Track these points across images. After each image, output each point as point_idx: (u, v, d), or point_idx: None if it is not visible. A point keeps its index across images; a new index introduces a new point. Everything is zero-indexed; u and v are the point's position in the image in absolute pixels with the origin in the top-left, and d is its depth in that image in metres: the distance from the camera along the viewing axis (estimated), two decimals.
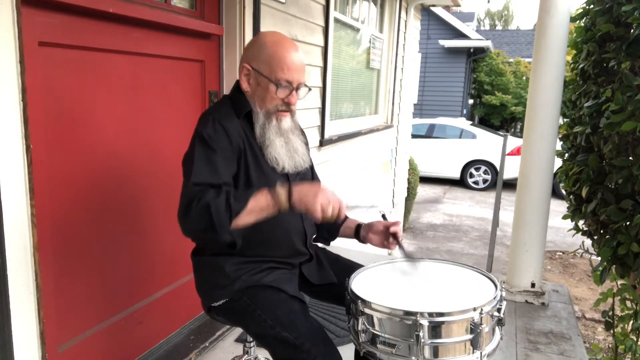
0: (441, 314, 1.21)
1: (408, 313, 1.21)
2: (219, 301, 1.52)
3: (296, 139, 1.56)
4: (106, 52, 1.89)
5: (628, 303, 2.88)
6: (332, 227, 1.73)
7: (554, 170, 3.11)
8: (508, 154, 7.43)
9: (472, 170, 10.65)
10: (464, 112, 15.74)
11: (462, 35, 15.31)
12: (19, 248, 1.53)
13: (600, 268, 2.77)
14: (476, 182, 10.66)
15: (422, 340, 1.20)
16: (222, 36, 2.58)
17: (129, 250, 2.12)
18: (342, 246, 1.83)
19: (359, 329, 1.29)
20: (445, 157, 10.72)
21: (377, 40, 5.22)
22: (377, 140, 5.39)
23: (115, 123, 1.97)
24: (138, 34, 2.02)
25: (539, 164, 2.99)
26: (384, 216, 1.68)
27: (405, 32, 5.93)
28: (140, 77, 2.07)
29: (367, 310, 1.28)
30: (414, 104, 7.38)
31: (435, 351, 1.23)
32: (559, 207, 6.27)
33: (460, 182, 10.85)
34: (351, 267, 1.64)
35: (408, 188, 7.29)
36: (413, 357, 1.22)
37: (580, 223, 3.03)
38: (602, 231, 2.71)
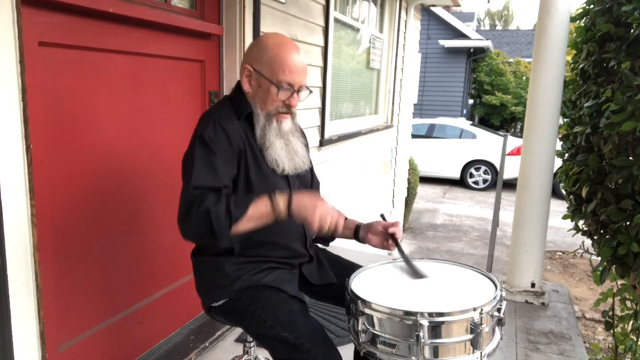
0: (441, 314, 1.21)
1: (408, 313, 1.21)
2: (219, 301, 1.52)
3: (296, 140, 1.56)
4: (106, 52, 1.89)
5: (628, 303, 2.88)
6: None
7: (554, 170, 3.11)
8: (508, 154, 7.43)
9: (472, 170, 10.65)
10: (464, 112, 15.75)
11: (462, 35, 15.31)
12: (19, 248, 1.53)
13: (600, 268, 2.77)
14: (476, 182, 10.66)
15: (422, 340, 1.20)
16: (222, 36, 2.58)
17: (129, 250, 2.12)
18: (342, 246, 1.83)
19: (359, 329, 1.29)
20: (445, 157, 10.72)
21: (377, 40, 5.22)
22: (377, 140, 5.39)
23: (115, 123, 1.97)
24: (138, 34, 2.02)
25: (539, 164, 2.99)
26: (382, 216, 1.68)
27: (405, 32, 5.93)
28: (140, 77, 2.07)
29: (367, 310, 1.28)
30: (414, 104, 7.38)
31: (435, 351, 1.23)
32: (559, 207, 6.27)
33: (460, 182, 10.85)
34: (351, 268, 1.64)
35: (408, 188, 7.29)
36: (413, 357, 1.22)
37: (580, 223, 3.03)
38: (602, 231, 2.71)
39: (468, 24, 17.42)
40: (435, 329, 1.21)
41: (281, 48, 1.46)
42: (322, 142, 3.77)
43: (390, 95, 5.75)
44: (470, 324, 1.22)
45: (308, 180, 1.68)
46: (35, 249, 1.58)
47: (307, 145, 1.67)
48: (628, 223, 2.36)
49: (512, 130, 16.93)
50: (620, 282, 2.79)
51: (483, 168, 10.55)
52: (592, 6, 2.77)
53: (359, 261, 1.70)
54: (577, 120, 2.98)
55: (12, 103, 1.47)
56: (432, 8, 13.00)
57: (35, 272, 1.59)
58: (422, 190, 10.00)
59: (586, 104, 2.72)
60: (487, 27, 37.12)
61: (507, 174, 7.43)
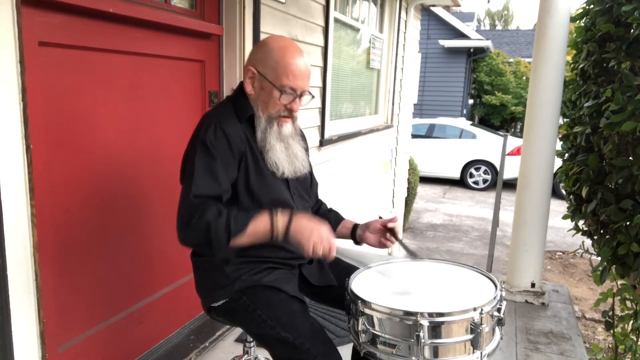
0: (441, 314, 1.21)
1: (408, 313, 1.21)
2: (218, 301, 1.52)
3: (296, 144, 1.56)
4: (106, 52, 1.89)
5: (628, 303, 2.88)
6: None
7: (554, 170, 3.11)
8: (508, 154, 7.43)
9: (472, 170, 10.65)
10: (464, 112, 15.75)
11: (462, 35, 15.31)
12: (19, 248, 1.53)
13: (600, 268, 2.77)
14: (476, 182, 10.66)
15: (422, 341, 1.20)
16: (222, 36, 2.58)
17: (129, 250, 2.12)
18: (342, 246, 1.82)
19: (359, 329, 1.29)
20: (445, 157, 10.72)
21: (377, 40, 5.22)
22: (377, 140, 5.39)
23: (115, 123, 1.97)
24: (138, 34, 2.02)
25: (539, 164, 2.99)
26: (381, 218, 1.68)
27: (405, 32, 5.93)
28: (140, 77, 2.07)
29: (367, 311, 1.28)
30: (414, 104, 7.38)
31: (436, 351, 1.23)
32: (559, 207, 6.27)
33: (460, 182, 10.85)
34: (351, 269, 1.64)
35: (408, 188, 7.29)
36: (413, 357, 1.22)
37: (580, 223, 3.03)
38: (602, 231, 2.71)
39: (468, 24, 17.42)
40: (436, 329, 1.21)
41: (286, 52, 1.46)
42: (322, 142, 3.77)
43: (390, 95, 5.75)
44: (471, 324, 1.22)
45: (308, 184, 1.68)
46: (35, 248, 1.58)
47: (307, 149, 1.67)
48: (628, 223, 2.36)
49: (512, 130, 16.93)
50: (620, 282, 2.79)
51: (483, 168, 10.55)
52: (592, 6, 2.77)
53: (357, 262, 1.70)
54: (577, 120, 2.98)
55: (12, 103, 1.47)
56: (432, 8, 13.00)
57: (35, 272, 1.59)
58: (422, 190, 10.00)
59: (586, 104, 2.72)
60: (487, 27, 37.13)
61: (507, 174, 7.43)
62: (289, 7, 3.11)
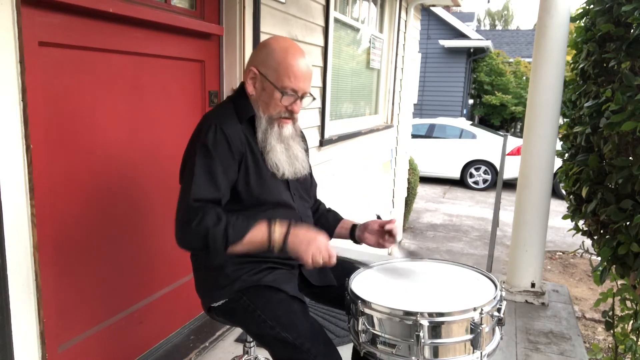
0: (441, 314, 1.21)
1: (408, 313, 1.21)
2: (218, 301, 1.52)
3: (296, 145, 1.56)
4: (106, 52, 1.89)
5: (628, 303, 2.88)
6: (326, 230, 1.73)
7: (554, 170, 3.11)
8: (508, 154, 7.43)
9: (472, 170, 10.65)
10: (464, 112, 15.74)
11: (462, 35, 15.31)
12: (19, 248, 1.53)
13: (600, 268, 2.77)
14: (476, 182, 10.66)
15: (422, 341, 1.20)
16: (222, 36, 2.58)
17: (129, 250, 2.12)
18: (342, 246, 1.83)
19: (359, 329, 1.29)
20: (445, 157, 10.72)
21: (377, 40, 5.22)
22: (377, 140, 5.39)
23: (115, 123, 1.97)
24: (138, 34, 2.02)
25: (539, 164, 2.99)
26: (378, 217, 1.68)
27: (405, 32, 5.93)
28: (140, 77, 2.07)
29: (367, 311, 1.28)
30: (414, 104, 7.38)
31: (436, 351, 1.23)
32: (559, 207, 6.27)
33: (460, 182, 10.85)
34: (351, 269, 1.64)
35: (408, 188, 7.29)
36: (413, 357, 1.22)
37: (580, 223, 3.03)
38: (602, 231, 2.71)
39: (468, 24, 17.42)
40: (436, 329, 1.21)
41: (288, 53, 1.46)
42: (322, 142, 3.77)
43: (390, 95, 5.75)
44: (470, 324, 1.22)
45: (308, 185, 1.68)
46: (35, 248, 1.58)
47: (307, 150, 1.67)
48: (628, 223, 2.36)
49: (512, 130, 16.92)
50: (620, 282, 2.79)
51: (483, 168, 10.55)
52: (592, 6, 2.77)
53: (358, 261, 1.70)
54: (577, 120, 2.98)
55: (12, 103, 1.47)
56: (432, 8, 13.00)
57: (35, 272, 1.59)
58: (422, 190, 10.00)
59: (586, 104, 2.72)
60: (487, 27, 37.12)
61: (507, 174, 7.43)
62: (289, 7, 3.11)
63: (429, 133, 10.97)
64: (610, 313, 2.93)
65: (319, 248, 1.36)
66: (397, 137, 6.28)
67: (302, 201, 1.62)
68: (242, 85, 1.54)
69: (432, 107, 15.25)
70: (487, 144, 10.44)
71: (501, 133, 9.32)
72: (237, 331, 2.54)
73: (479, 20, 33.72)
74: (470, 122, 11.99)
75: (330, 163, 4.03)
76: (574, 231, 3.09)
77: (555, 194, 7.30)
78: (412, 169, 7.48)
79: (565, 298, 3.18)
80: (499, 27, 37.27)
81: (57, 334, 1.79)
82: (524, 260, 3.10)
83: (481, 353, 1.25)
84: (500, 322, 1.31)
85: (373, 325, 1.28)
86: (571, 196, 3.06)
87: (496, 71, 16.10)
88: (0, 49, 1.41)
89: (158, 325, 2.33)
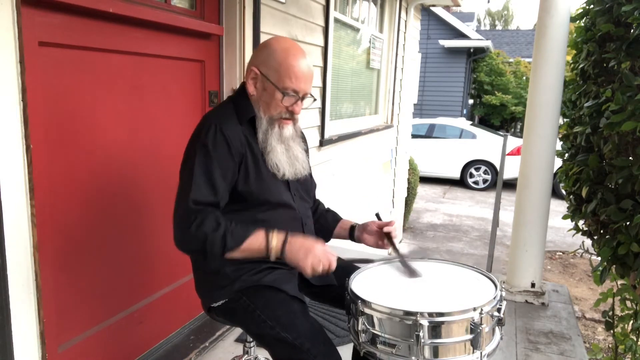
0: (441, 314, 1.21)
1: (408, 313, 1.21)
2: (218, 301, 1.53)
3: (297, 146, 1.56)
4: (106, 52, 1.89)
5: (628, 303, 2.88)
6: (325, 230, 1.74)
7: (554, 170, 3.11)
8: (508, 154, 7.43)
9: (472, 170, 10.65)
10: (464, 112, 15.74)
11: (462, 35, 15.30)
12: (19, 248, 1.53)
13: (600, 268, 2.77)
14: (476, 182, 10.66)
15: (422, 340, 1.20)
16: (222, 36, 2.58)
17: (129, 250, 2.12)
18: (342, 246, 1.83)
19: (359, 329, 1.29)
20: (445, 157, 10.72)
21: (377, 40, 5.22)
22: (377, 140, 5.39)
23: (115, 123, 1.97)
24: (138, 34, 2.02)
25: (539, 164, 2.99)
26: (378, 216, 1.68)
27: (405, 32, 5.93)
28: (140, 77, 2.07)
29: (367, 310, 1.28)
30: (414, 104, 7.38)
31: (435, 351, 1.23)
32: (559, 207, 6.27)
33: (460, 182, 10.85)
34: (351, 269, 1.64)
35: (408, 188, 7.29)
36: (413, 357, 1.22)
37: (580, 223, 3.03)
38: (602, 231, 2.71)
39: (468, 24, 17.42)
40: (435, 329, 1.21)
41: (289, 54, 1.46)
42: (322, 142, 3.77)
43: (390, 95, 5.75)
44: (470, 324, 1.22)
45: (308, 185, 1.68)
46: (35, 248, 1.58)
47: (307, 151, 1.67)
48: (628, 223, 2.36)
49: (512, 130, 16.92)
50: (620, 282, 2.79)
51: (483, 168, 10.55)
52: (592, 6, 2.77)
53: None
54: (577, 120, 2.98)
55: (12, 103, 1.47)
56: (432, 8, 13.00)
57: (35, 272, 1.59)
58: (422, 190, 10.00)
59: (586, 104, 2.72)
60: (487, 27, 37.13)
61: (507, 174, 7.42)
62: (289, 7, 3.11)
63: (429, 133, 10.97)
64: (610, 313, 2.93)
65: (317, 256, 1.37)
66: (397, 137, 6.29)
67: (302, 202, 1.62)
68: (243, 86, 1.54)
69: (432, 107, 15.25)
70: (487, 144, 10.44)
71: (501, 133, 9.32)
72: (237, 331, 2.54)
73: (479, 20, 33.73)
74: (470, 122, 11.99)
75: (330, 163, 4.03)
76: (574, 231, 3.09)
77: (555, 194, 7.30)
78: (412, 169, 7.48)
79: (565, 298, 3.18)
80: (499, 27, 37.28)
81: (57, 334, 1.79)
82: (524, 260, 3.10)
83: (481, 353, 1.25)
84: (500, 322, 1.31)
85: (373, 325, 1.28)
86: (571, 196, 3.06)
87: (496, 71, 16.10)
88: (0, 49, 1.41)
89: (158, 325, 2.33)
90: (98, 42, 1.83)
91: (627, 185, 2.32)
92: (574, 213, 3.04)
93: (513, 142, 9.09)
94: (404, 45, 5.98)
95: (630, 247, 2.31)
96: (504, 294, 1.33)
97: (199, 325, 2.57)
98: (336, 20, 4.00)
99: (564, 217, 3.14)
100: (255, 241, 1.38)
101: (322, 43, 3.69)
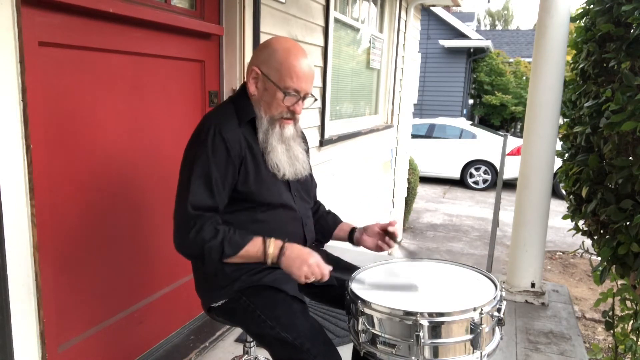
0: (441, 314, 1.21)
1: (408, 313, 1.21)
2: (218, 302, 1.53)
3: (297, 146, 1.57)
4: (106, 52, 1.89)
5: (628, 303, 2.88)
6: (325, 231, 1.74)
7: (554, 170, 3.11)
8: (508, 154, 7.43)
9: (472, 170, 10.64)
10: (464, 112, 15.74)
11: (462, 35, 15.30)
12: (19, 248, 1.53)
13: (600, 268, 2.77)
14: (476, 182, 10.66)
15: (422, 341, 1.20)
16: (222, 36, 2.58)
17: (129, 250, 2.12)
18: (342, 246, 1.83)
19: (359, 329, 1.29)
20: (445, 157, 10.72)
21: (377, 40, 5.22)
22: (377, 140, 5.39)
23: (115, 123, 1.97)
24: (138, 34, 2.02)
25: (539, 164, 2.99)
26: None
27: (405, 32, 5.93)
28: (140, 77, 2.07)
29: (367, 311, 1.28)
30: (414, 104, 7.38)
31: (435, 351, 1.23)
32: (559, 207, 6.27)
33: (460, 182, 10.85)
34: (351, 269, 1.64)
35: (408, 188, 7.29)
36: (413, 357, 1.22)
37: (580, 223, 3.03)
38: (602, 231, 2.71)
39: (468, 24, 17.42)
40: (435, 329, 1.21)
41: (290, 53, 1.46)
42: (322, 142, 3.77)
43: (390, 95, 5.75)
44: (470, 324, 1.22)
45: (308, 185, 1.68)
46: (35, 248, 1.58)
47: (307, 151, 1.67)
48: (628, 223, 2.36)
49: (512, 130, 16.92)
50: (620, 282, 2.79)
51: (483, 168, 10.55)
52: (592, 6, 2.77)
53: (358, 262, 1.70)
54: (577, 120, 2.98)
55: (12, 103, 1.47)
56: (432, 8, 12.99)
57: (35, 272, 1.59)
58: (422, 190, 9.99)
59: (586, 104, 2.72)
60: (487, 27, 37.13)
61: (507, 174, 7.42)
62: (289, 7, 3.11)
63: (429, 133, 10.97)
64: (610, 313, 2.93)
65: (310, 266, 1.38)
66: (397, 137, 6.28)
67: (302, 202, 1.62)
68: (244, 86, 1.54)
69: (432, 107, 15.25)
70: (487, 144, 10.44)
71: (501, 133, 9.32)
72: (237, 331, 2.54)
73: (479, 20, 33.72)
74: (470, 122, 11.98)
75: (330, 163, 4.03)
76: (574, 231, 3.09)
77: (555, 194, 7.30)
78: (412, 169, 7.48)
79: (565, 298, 3.18)
80: (499, 27, 37.28)
81: (57, 334, 1.79)
82: (524, 260, 3.10)
83: (481, 353, 1.25)
84: (500, 322, 1.31)
85: (373, 325, 1.28)
86: (571, 196, 3.06)
87: (496, 71, 16.10)
88: (0, 49, 1.41)
89: (158, 325, 2.33)
90: (98, 42, 1.83)
91: (627, 185, 2.32)
92: (574, 213, 3.04)
93: (513, 142, 9.09)
94: (404, 45, 5.98)
95: (630, 247, 2.31)
96: (504, 294, 1.33)
97: (199, 325, 2.57)
98: (336, 20, 4.00)
99: (564, 217, 3.14)
100: (253, 248, 1.40)
101: (322, 43, 3.69)
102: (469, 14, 21.30)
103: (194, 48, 2.39)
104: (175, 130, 2.30)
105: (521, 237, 3.10)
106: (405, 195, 7.22)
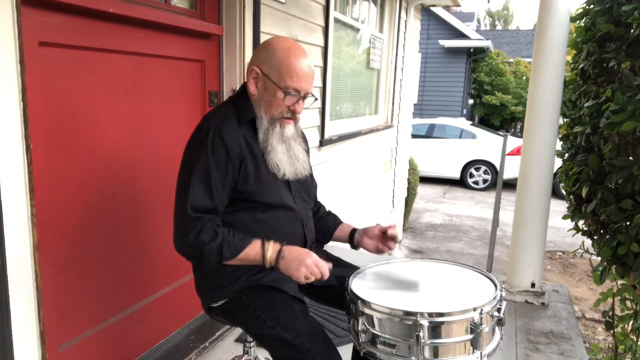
0: (441, 314, 1.21)
1: (408, 313, 1.21)
2: (218, 301, 1.53)
3: (297, 146, 1.57)
4: (106, 52, 1.89)
5: (628, 303, 2.88)
6: (326, 232, 1.74)
7: (554, 170, 3.11)
8: (508, 154, 7.43)
9: (472, 170, 10.65)
10: (464, 112, 15.74)
11: (462, 35, 15.30)
12: (19, 248, 1.53)
13: (600, 268, 2.77)
14: (476, 182, 10.66)
15: (422, 341, 1.20)
16: (222, 36, 2.58)
17: (129, 250, 2.12)
18: (342, 246, 1.83)
19: (359, 329, 1.29)
20: (445, 157, 10.72)
21: (377, 40, 5.22)
22: (377, 140, 5.39)
23: (115, 123, 1.97)
24: (138, 34, 2.02)
25: (539, 164, 2.99)
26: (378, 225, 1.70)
27: (405, 32, 5.93)
28: (140, 77, 2.07)
29: (367, 311, 1.28)
30: (414, 104, 7.38)
31: (435, 351, 1.23)
32: (559, 207, 6.27)
33: (460, 182, 10.85)
34: (351, 269, 1.64)
35: (408, 188, 7.29)
36: (413, 358, 1.22)
37: (580, 223, 3.03)
38: (602, 231, 2.71)
39: (468, 24, 17.42)
40: (435, 329, 1.21)
41: (290, 53, 1.46)
42: (322, 142, 3.77)
43: (390, 95, 5.75)
44: (470, 324, 1.22)
45: (309, 186, 1.68)
46: (35, 249, 1.58)
47: (308, 151, 1.67)
48: (628, 223, 2.36)
49: (512, 130, 16.92)
50: (620, 282, 2.79)
51: (483, 168, 10.55)
52: (592, 6, 2.77)
53: (358, 262, 1.70)
54: (577, 120, 2.98)
55: (12, 103, 1.47)
56: (432, 8, 12.99)
57: (35, 272, 1.59)
58: (422, 190, 10.00)
59: (586, 104, 2.72)
60: (487, 27, 37.14)
61: (507, 174, 7.43)
62: (289, 7, 3.11)
63: (429, 133, 10.97)
64: (610, 313, 2.93)
65: (309, 266, 1.38)
66: (397, 137, 6.29)
67: (303, 202, 1.62)
68: (244, 86, 1.54)
69: (432, 107, 15.25)
70: (487, 144, 10.44)
71: (501, 133, 9.32)
72: (237, 331, 2.54)
73: (479, 20, 33.72)
74: (470, 122, 11.98)
75: (330, 163, 4.03)
76: (574, 231, 3.09)
77: (555, 194, 7.30)
78: (412, 169, 7.48)
79: (565, 298, 3.18)
80: (499, 27, 37.28)
81: (57, 334, 1.79)
82: (524, 260, 3.10)
83: (481, 353, 1.25)
84: (500, 322, 1.31)
85: (373, 325, 1.28)
86: (571, 196, 3.06)
87: (496, 71, 16.10)
88: (0, 49, 1.41)
89: (158, 325, 2.33)
90: (98, 42, 1.83)
91: (627, 185, 2.32)
92: (574, 213, 3.04)
93: (513, 142, 9.09)
94: (404, 45, 5.98)
95: (630, 247, 2.31)
96: (504, 294, 1.33)
97: (199, 325, 2.57)
98: (336, 20, 4.00)
99: (564, 217, 3.14)
100: (252, 252, 1.40)
101: (322, 43, 3.69)
102: (469, 14, 21.30)
103: (194, 48, 2.39)
104: (175, 130, 2.30)
105: (521, 237, 3.10)
106: (405, 195, 7.22)
